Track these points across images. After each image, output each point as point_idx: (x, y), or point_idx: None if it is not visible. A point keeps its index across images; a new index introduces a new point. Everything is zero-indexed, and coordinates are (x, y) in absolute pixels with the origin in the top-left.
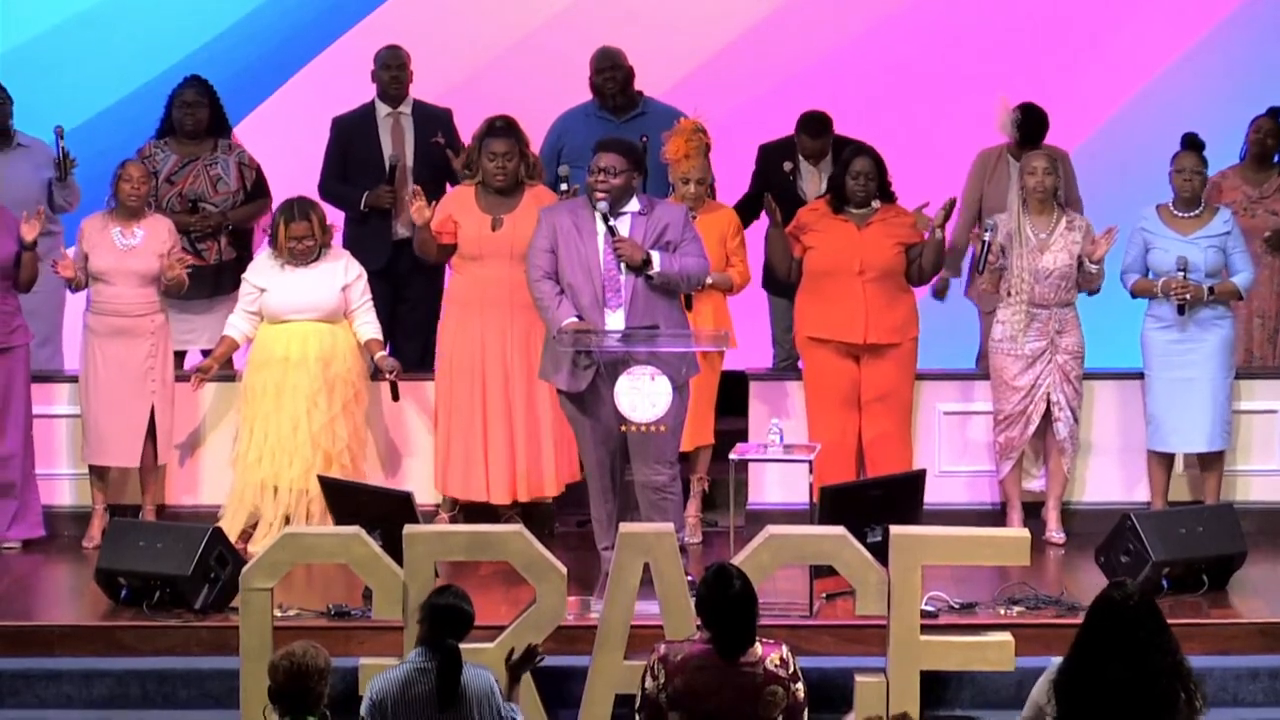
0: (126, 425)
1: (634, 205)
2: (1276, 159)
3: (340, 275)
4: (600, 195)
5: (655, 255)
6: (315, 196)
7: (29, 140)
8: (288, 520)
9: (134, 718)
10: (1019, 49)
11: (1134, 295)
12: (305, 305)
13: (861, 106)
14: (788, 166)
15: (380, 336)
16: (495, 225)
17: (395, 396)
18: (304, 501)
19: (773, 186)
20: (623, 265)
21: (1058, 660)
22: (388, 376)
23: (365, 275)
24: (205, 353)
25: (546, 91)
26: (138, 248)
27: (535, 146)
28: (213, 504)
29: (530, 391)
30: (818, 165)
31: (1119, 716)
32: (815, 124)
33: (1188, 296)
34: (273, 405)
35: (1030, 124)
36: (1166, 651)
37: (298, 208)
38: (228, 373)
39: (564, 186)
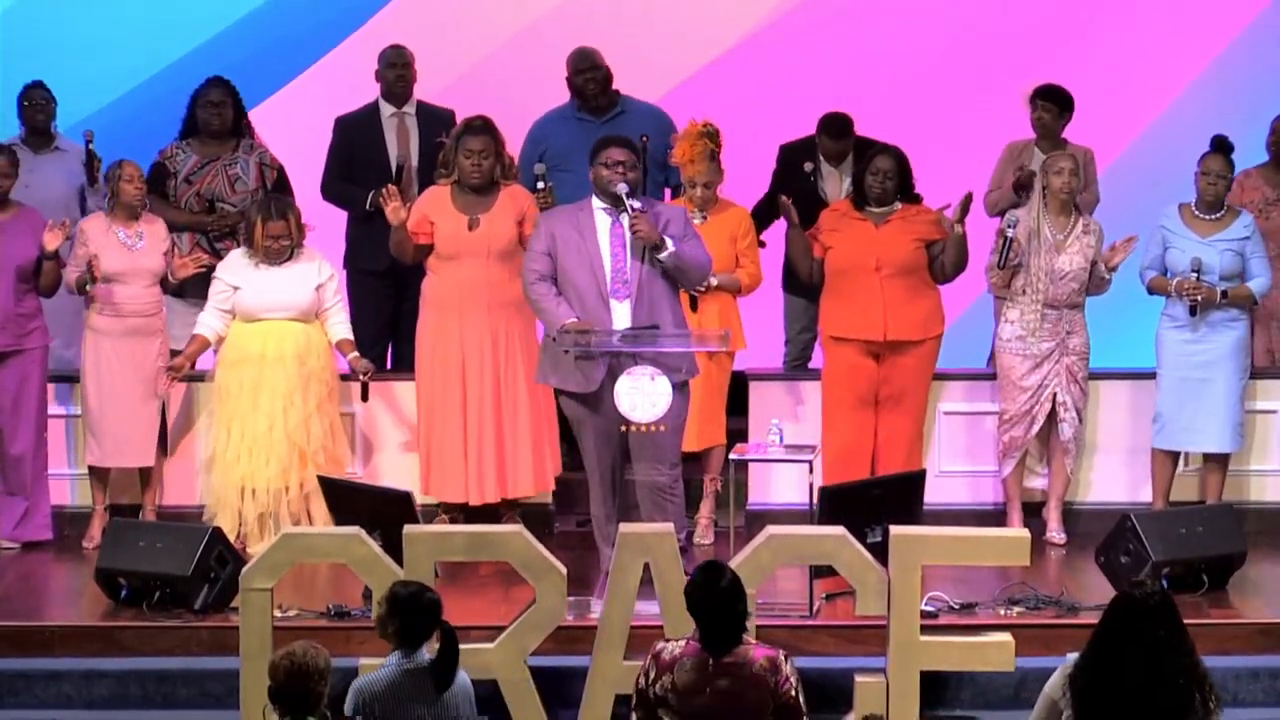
0: (140, 425)
1: (636, 203)
2: None
3: (314, 275)
4: (618, 179)
5: (668, 239)
6: (317, 194)
7: (68, 144)
8: (263, 521)
9: (134, 718)
10: (1037, 43)
11: (1150, 292)
12: (281, 304)
13: (878, 104)
14: (808, 167)
15: (351, 336)
16: (472, 225)
17: (365, 397)
18: (281, 501)
19: (793, 187)
20: (630, 249)
21: (1073, 656)
22: (363, 378)
23: (337, 276)
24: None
25: (553, 93)
26: (145, 247)
27: (518, 147)
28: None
29: (513, 391)
30: (839, 167)
31: (1134, 715)
32: (836, 126)
33: (1199, 298)
34: (249, 404)
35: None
36: (1183, 652)
37: (275, 207)
38: (196, 372)
39: (540, 185)
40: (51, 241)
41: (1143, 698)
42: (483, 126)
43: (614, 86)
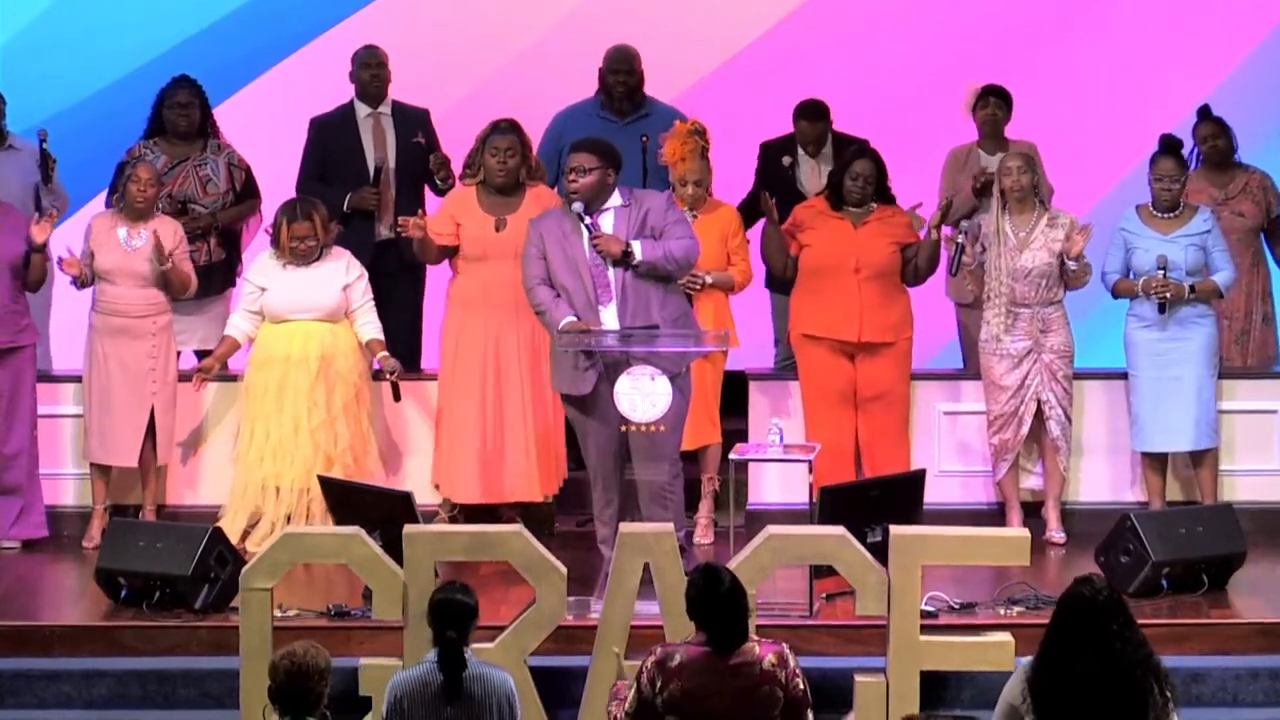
0: (126, 425)
1: (615, 200)
2: (1236, 158)
3: (342, 275)
4: (573, 194)
5: (636, 245)
6: (286, 194)
7: (21, 143)
8: (289, 520)
9: (134, 718)
10: (1044, 50)
11: (1115, 296)
12: (307, 305)
13: (874, 108)
14: (787, 161)
15: (381, 336)
16: (499, 226)
17: (397, 397)
18: (304, 501)
19: (773, 182)
20: (607, 260)
21: (1027, 660)
22: (389, 377)
23: (366, 275)
24: (197, 353)
25: (557, 98)
26: (143, 249)
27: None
28: (213, 504)
29: (537, 392)
30: (816, 155)
31: (1094, 712)
32: (812, 110)
33: (1168, 295)
34: (274, 405)
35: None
36: (1136, 645)
37: (300, 207)
38: (226, 373)
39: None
40: (40, 234)
41: (1100, 694)
42: (509, 127)
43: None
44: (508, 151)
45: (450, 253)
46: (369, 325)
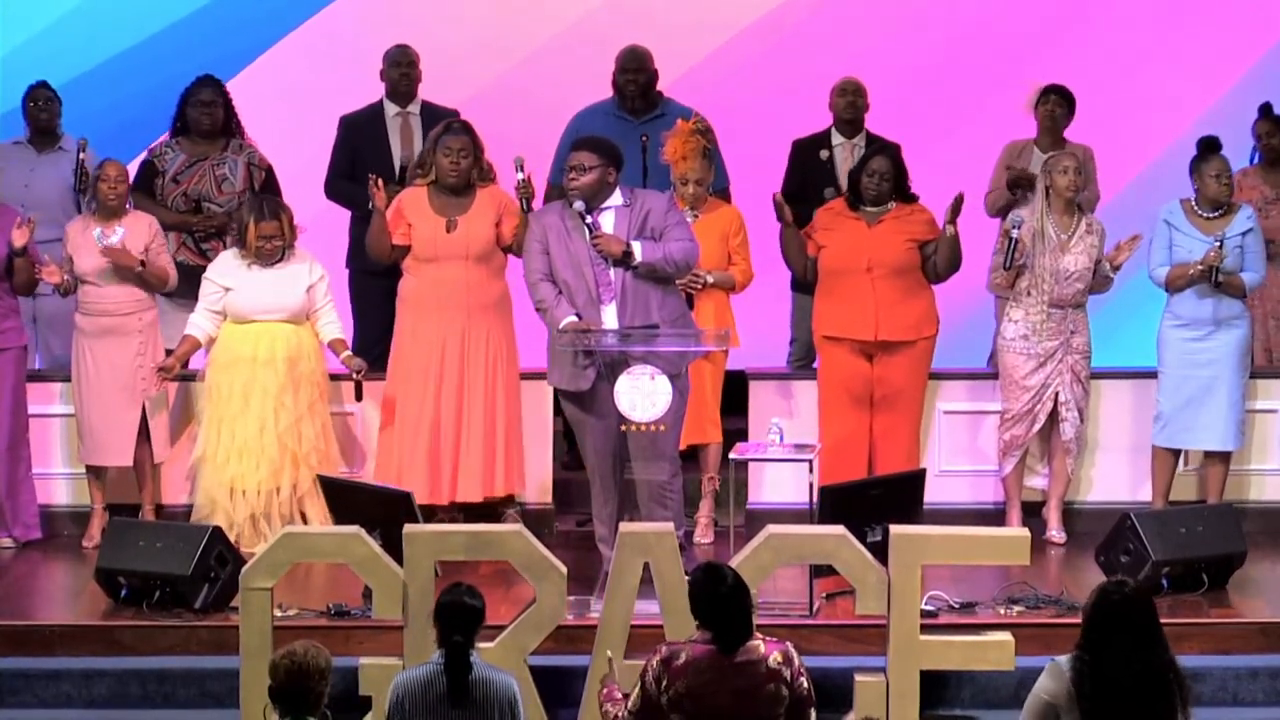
0: (120, 424)
1: (616, 199)
2: None
3: (305, 276)
4: (573, 192)
5: (636, 246)
6: (305, 189)
7: (72, 145)
8: (254, 522)
9: (134, 718)
10: (1049, 44)
11: (1167, 286)
12: (272, 305)
13: (884, 99)
14: (824, 155)
15: (344, 336)
16: (450, 227)
17: (359, 396)
18: (273, 503)
19: (809, 179)
20: (608, 260)
21: (1062, 659)
22: (356, 376)
23: (328, 276)
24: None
25: (565, 99)
26: (118, 247)
27: (553, 149)
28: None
29: (492, 392)
30: (851, 139)
31: (1136, 712)
32: (848, 79)
33: (1224, 258)
34: (240, 406)
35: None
36: (1165, 647)
37: (267, 207)
38: (187, 372)
39: (520, 175)
40: (19, 238)
41: (1142, 692)
42: (462, 127)
43: (658, 89)
44: (460, 152)
45: (403, 253)
46: (331, 325)
